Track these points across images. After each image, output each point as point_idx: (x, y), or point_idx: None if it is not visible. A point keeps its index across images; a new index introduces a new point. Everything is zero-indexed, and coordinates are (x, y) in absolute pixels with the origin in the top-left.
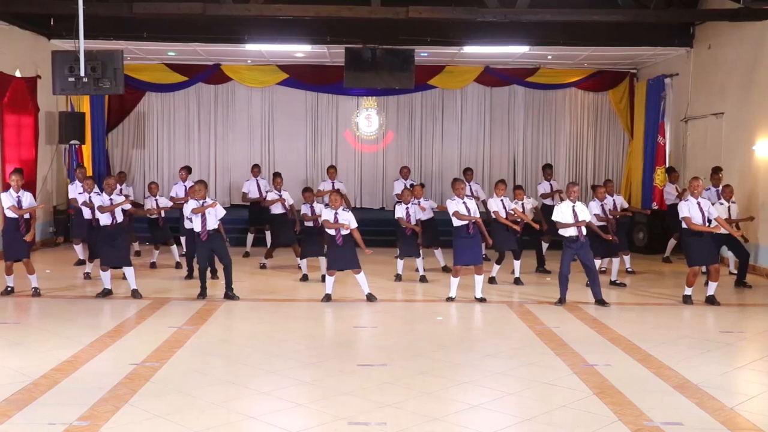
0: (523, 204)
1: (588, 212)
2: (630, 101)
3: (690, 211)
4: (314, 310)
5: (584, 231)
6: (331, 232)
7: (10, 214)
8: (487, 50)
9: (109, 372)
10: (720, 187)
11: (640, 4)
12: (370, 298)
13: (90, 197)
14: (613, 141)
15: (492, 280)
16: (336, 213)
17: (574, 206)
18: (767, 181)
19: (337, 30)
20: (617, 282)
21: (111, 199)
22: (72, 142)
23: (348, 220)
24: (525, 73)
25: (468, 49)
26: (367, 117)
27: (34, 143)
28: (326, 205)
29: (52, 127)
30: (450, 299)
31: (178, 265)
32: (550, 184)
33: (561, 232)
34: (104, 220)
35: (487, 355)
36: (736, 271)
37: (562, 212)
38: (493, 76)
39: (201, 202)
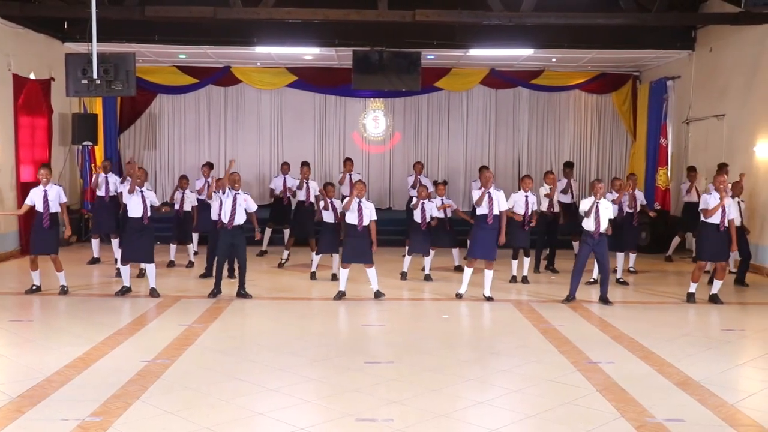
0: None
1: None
2: (633, 103)
3: (709, 203)
4: (322, 308)
5: (601, 228)
6: (352, 220)
7: (38, 208)
8: (493, 53)
9: (121, 369)
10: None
11: (643, 7)
12: (378, 294)
13: (142, 192)
14: (616, 142)
15: (524, 280)
16: (360, 202)
17: (598, 203)
18: (767, 182)
19: (345, 33)
20: (621, 280)
21: (142, 192)
22: (85, 143)
23: (370, 209)
24: (529, 75)
25: (473, 52)
26: (374, 118)
27: (48, 144)
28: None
29: (66, 129)
30: (458, 296)
31: (190, 264)
32: (569, 183)
33: (584, 224)
34: (135, 212)
35: (492, 352)
36: (735, 270)
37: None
38: (498, 79)
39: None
